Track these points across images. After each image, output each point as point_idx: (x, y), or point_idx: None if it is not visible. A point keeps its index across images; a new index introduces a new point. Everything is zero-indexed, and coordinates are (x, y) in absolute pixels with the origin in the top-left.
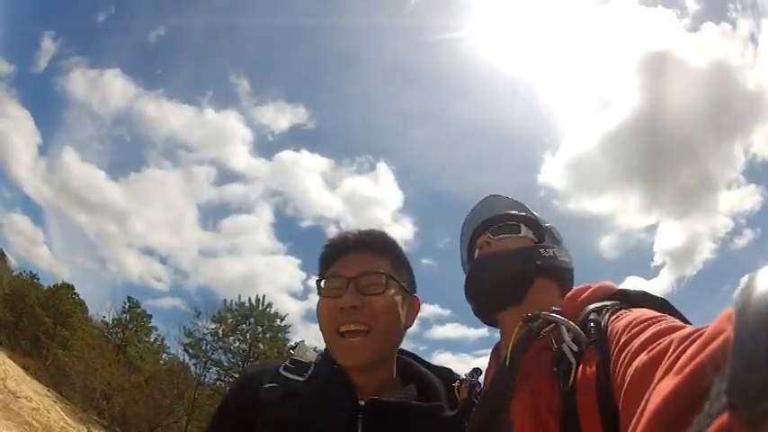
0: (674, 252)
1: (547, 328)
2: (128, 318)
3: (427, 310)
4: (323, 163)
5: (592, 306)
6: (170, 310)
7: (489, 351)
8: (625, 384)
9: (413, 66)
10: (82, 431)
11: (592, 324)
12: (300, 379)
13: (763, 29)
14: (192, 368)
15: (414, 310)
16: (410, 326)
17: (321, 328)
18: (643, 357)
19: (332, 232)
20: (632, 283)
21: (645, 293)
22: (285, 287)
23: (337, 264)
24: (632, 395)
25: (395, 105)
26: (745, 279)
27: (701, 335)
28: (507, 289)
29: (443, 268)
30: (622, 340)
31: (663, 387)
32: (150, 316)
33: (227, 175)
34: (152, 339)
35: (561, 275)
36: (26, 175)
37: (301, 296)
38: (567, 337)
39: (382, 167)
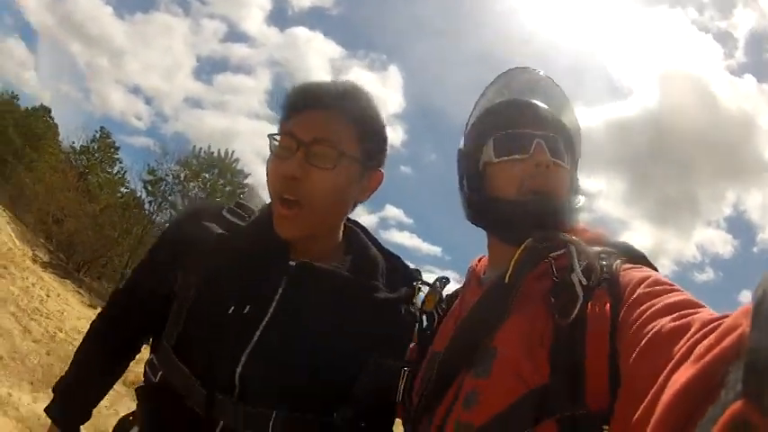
0: None
1: (553, 254)
2: (96, 147)
3: (392, 212)
4: (335, 50)
5: (597, 248)
6: (141, 149)
7: (436, 270)
8: (642, 341)
9: None
10: (27, 253)
11: (603, 263)
12: (241, 223)
13: None
14: (147, 206)
15: (373, 184)
16: (364, 200)
17: (267, 184)
18: (668, 323)
19: None
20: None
21: (629, 245)
22: (262, 153)
23: (298, 117)
24: (649, 355)
25: (422, 15)
26: (764, 275)
27: (720, 323)
28: (530, 233)
29: (421, 181)
30: (639, 293)
31: (678, 377)
32: (118, 148)
33: (235, 35)
34: (115, 171)
35: None
36: (31, 2)
37: None
38: (577, 267)
39: (393, 70)
